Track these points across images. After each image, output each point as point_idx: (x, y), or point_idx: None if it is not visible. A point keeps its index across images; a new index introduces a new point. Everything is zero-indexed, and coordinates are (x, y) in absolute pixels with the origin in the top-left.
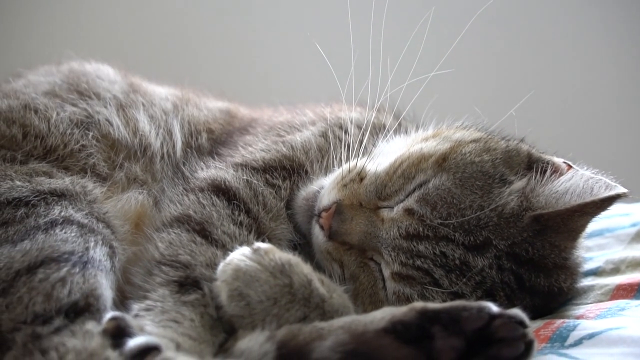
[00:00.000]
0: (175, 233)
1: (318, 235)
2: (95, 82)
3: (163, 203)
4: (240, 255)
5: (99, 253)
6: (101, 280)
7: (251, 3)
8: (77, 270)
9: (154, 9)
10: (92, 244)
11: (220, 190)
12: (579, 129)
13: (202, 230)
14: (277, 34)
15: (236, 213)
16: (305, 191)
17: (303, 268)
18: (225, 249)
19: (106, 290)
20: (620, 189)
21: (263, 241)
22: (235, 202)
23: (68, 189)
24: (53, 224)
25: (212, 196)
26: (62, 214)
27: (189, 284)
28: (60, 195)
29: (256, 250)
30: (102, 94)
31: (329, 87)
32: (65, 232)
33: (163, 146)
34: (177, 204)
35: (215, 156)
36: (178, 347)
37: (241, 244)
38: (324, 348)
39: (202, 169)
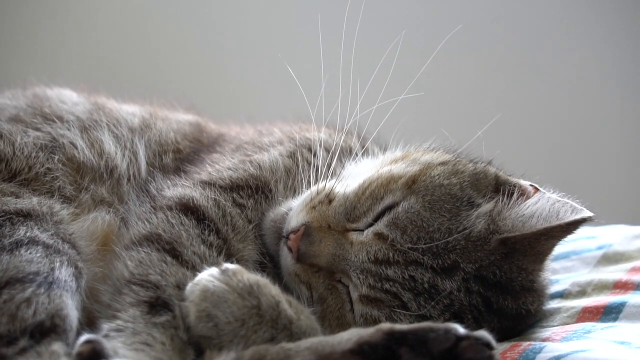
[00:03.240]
0: (145, 252)
1: (286, 257)
2: (58, 105)
3: (131, 221)
4: (208, 276)
5: (64, 274)
6: (67, 301)
7: (224, 23)
8: (43, 290)
9: (122, 30)
10: (57, 265)
11: (188, 209)
12: (546, 152)
13: (172, 250)
14: (248, 54)
15: (206, 233)
16: (273, 213)
17: (271, 289)
18: (195, 270)
19: (72, 311)
20: (586, 213)
21: (232, 262)
22: (205, 221)
23: (35, 209)
24: (18, 244)
25: (181, 215)
26: (28, 234)
27: (159, 305)
28: (26, 216)
29: (224, 271)
30: (65, 117)
31: (299, 107)
32: (30, 253)
33: (129, 167)
34: (146, 222)
35: (182, 174)
36: None
37: (210, 265)
38: None
39: (168, 187)
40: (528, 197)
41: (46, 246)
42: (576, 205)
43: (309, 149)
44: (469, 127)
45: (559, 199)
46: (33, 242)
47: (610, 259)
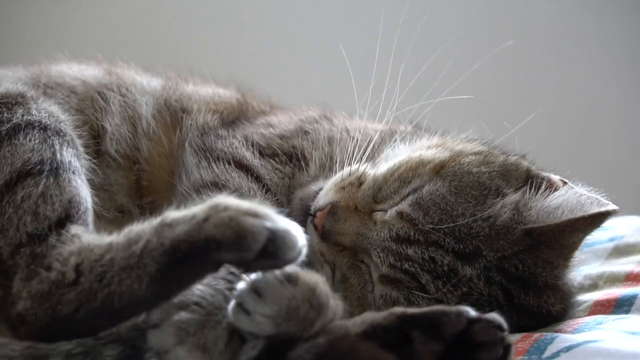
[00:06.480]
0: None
1: (312, 235)
2: (135, 85)
3: (188, 168)
4: (288, 299)
5: (66, 155)
6: (75, 184)
7: (273, 15)
8: (52, 180)
9: (167, 19)
10: (57, 147)
11: (243, 166)
12: (582, 148)
13: (239, 195)
14: (299, 43)
15: (263, 190)
16: (302, 192)
17: (335, 300)
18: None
19: (82, 190)
20: (611, 206)
21: None
22: (261, 182)
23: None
24: (16, 130)
25: (237, 169)
26: (25, 117)
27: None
28: (21, 97)
29: (303, 287)
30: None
31: (346, 98)
32: (30, 140)
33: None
34: (207, 170)
35: (232, 130)
36: None
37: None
38: (301, 348)
39: (222, 138)
40: (556, 190)
41: (43, 128)
42: (602, 199)
43: (348, 132)
44: (507, 120)
45: (586, 192)
46: (29, 125)
47: (621, 251)
